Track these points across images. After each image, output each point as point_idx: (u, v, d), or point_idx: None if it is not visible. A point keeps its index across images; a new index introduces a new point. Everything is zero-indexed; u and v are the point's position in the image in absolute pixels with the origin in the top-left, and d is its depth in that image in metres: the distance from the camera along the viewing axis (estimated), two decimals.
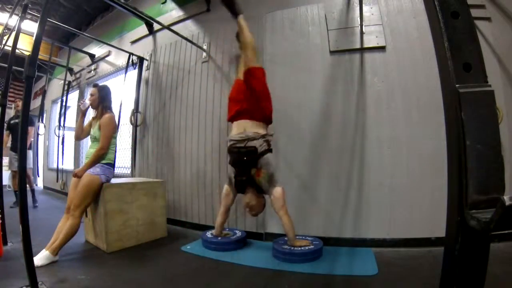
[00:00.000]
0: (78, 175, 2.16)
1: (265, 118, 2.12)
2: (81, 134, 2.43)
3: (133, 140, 3.54)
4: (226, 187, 2.20)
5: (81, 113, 2.42)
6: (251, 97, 2.10)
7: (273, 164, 2.05)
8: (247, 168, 2.00)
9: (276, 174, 2.04)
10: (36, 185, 4.19)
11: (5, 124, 3.07)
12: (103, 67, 4.47)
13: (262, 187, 2.00)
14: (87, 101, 2.40)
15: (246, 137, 2.02)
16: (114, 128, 2.33)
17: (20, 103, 3.91)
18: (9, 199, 2.66)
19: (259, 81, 2.12)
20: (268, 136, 2.08)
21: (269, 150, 2.06)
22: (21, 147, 1.45)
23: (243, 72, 2.20)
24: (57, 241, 1.95)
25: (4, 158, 2.53)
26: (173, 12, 3.40)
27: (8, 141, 3.76)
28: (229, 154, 2.11)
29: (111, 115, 2.32)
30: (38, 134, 4.96)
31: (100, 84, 2.45)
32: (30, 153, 4.08)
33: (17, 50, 2.23)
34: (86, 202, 2.13)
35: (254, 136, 2.01)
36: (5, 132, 3.40)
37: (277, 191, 1.96)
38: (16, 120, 3.72)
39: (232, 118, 2.19)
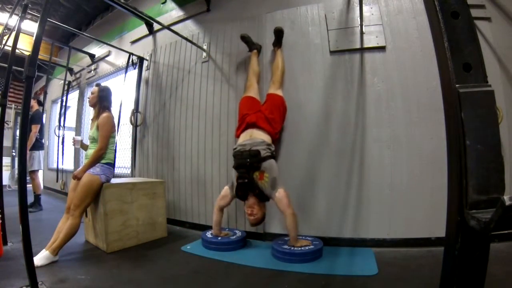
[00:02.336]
0: (77, 177, 2.14)
1: (272, 135, 2.23)
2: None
3: (133, 140, 3.54)
4: (226, 188, 2.23)
5: (80, 146, 2.55)
6: (265, 118, 2.25)
7: (276, 168, 2.10)
8: (250, 170, 2.04)
9: (279, 178, 2.07)
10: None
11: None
12: (103, 67, 4.47)
13: (264, 191, 2.02)
14: (77, 137, 2.54)
15: (251, 142, 2.12)
16: (111, 128, 2.31)
17: (35, 104, 3.90)
18: (9, 199, 2.65)
19: (281, 109, 2.33)
20: (272, 147, 2.17)
21: (272, 157, 2.13)
22: (20, 147, 1.45)
23: (269, 94, 2.40)
24: (57, 241, 1.95)
25: (4, 158, 2.52)
26: (173, 12, 3.40)
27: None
28: (234, 158, 2.18)
29: (108, 114, 2.30)
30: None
31: (102, 85, 2.45)
32: (39, 154, 3.91)
33: (17, 50, 2.23)
34: (86, 202, 2.13)
35: (258, 142, 2.11)
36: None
37: (280, 192, 1.99)
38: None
39: (241, 132, 2.29)
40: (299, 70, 2.49)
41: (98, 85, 2.43)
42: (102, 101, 2.34)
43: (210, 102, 2.87)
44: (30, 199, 3.62)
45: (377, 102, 2.25)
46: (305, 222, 2.25)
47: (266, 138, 2.19)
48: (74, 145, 2.52)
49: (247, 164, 2.05)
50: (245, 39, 2.58)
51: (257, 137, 2.18)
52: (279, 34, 2.48)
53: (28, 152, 3.71)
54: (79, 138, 2.54)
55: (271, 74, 2.51)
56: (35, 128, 3.77)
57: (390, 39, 2.29)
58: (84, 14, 4.86)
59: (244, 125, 2.29)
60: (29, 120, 3.65)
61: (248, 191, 2.07)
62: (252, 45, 2.60)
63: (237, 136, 2.35)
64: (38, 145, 3.90)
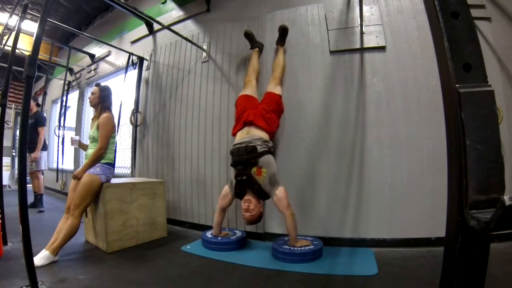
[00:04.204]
0: (77, 177, 2.14)
1: (269, 133, 2.22)
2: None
3: (133, 140, 3.54)
4: (226, 187, 2.22)
5: (78, 146, 2.55)
6: (262, 116, 2.22)
7: (274, 165, 2.08)
8: (247, 167, 2.03)
9: (278, 174, 2.06)
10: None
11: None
12: (103, 67, 4.47)
13: (263, 187, 2.00)
14: (75, 137, 2.55)
15: (248, 139, 2.11)
16: (112, 128, 2.31)
17: (34, 106, 3.92)
18: (9, 199, 2.65)
19: (278, 109, 2.32)
20: (269, 143, 2.15)
21: (270, 152, 2.11)
22: (20, 147, 1.45)
23: (268, 92, 2.38)
24: (57, 241, 1.95)
25: (4, 158, 2.52)
26: (173, 12, 3.40)
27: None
28: (231, 156, 2.16)
29: (109, 114, 2.30)
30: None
31: (102, 84, 2.45)
32: (43, 155, 3.94)
33: (17, 50, 2.23)
34: (86, 202, 2.13)
35: (255, 139, 2.10)
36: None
37: (280, 190, 1.98)
38: (32, 120, 3.70)
39: (238, 131, 2.28)
40: (299, 70, 2.48)
41: (98, 85, 2.42)
42: (104, 101, 2.33)
43: (210, 102, 2.87)
44: (30, 199, 3.62)
45: (377, 102, 2.25)
46: (305, 222, 2.25)
47: (264, 135, 2.17)
48: (72, 144, 2.52)
49: (244, 161, 2.03)
50: (249, 36, 2.57)
51: (254, 134, 2.16)
52: (283, 32, 2.47)
53: (38, 153, 3.74)
54: (77, 138, 2.55)
55: (271, 71, 2.51)
56: (43, 131, 3.83)
57: (390, 39, 2.29)
58: (84, 14, 4.86)
59: (241, 123, 2.26)
60: (35, 123, 3.70)
61: (246, 188, 2.04)
62: (254, 43, 2.60)
63: (234, 135, 2.32)
64: (45, 145, 3.96)
